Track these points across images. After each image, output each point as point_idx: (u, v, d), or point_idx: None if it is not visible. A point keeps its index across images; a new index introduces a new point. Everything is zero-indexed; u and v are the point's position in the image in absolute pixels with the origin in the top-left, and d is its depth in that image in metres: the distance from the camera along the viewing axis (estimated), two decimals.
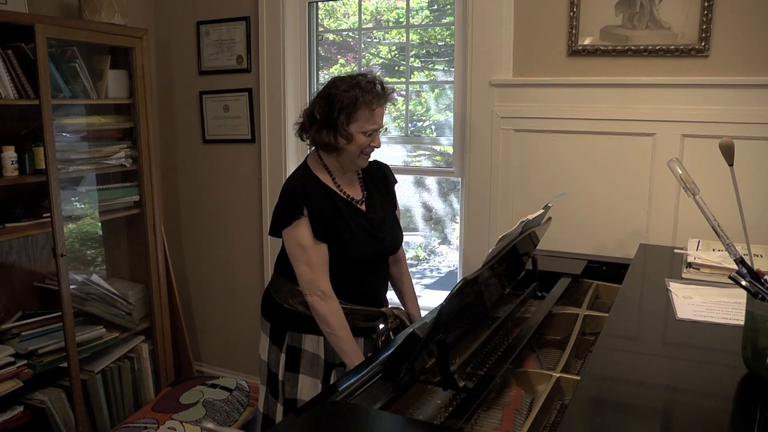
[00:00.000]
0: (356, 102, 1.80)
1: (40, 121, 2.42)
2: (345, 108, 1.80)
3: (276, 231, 1.89)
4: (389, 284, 2.11)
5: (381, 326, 1.95)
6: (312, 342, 1.90)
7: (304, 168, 1.93)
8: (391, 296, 2.13)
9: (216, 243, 3.39)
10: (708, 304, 1.49)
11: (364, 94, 1.81)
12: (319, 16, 3.11)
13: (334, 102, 1.81)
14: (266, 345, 1.98)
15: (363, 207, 1.95)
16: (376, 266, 1.98)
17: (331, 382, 1.88)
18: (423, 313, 2.10)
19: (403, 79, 3.06)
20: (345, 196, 1.92)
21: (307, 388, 1.89)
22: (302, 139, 1.95)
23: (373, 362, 1.41)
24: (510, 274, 1.77)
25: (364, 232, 1.90)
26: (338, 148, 1.85)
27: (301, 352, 1.90)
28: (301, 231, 1.81)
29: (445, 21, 2.92)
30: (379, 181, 2.04)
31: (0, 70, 2.34)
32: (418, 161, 3.27)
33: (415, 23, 3.00)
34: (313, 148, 1.94)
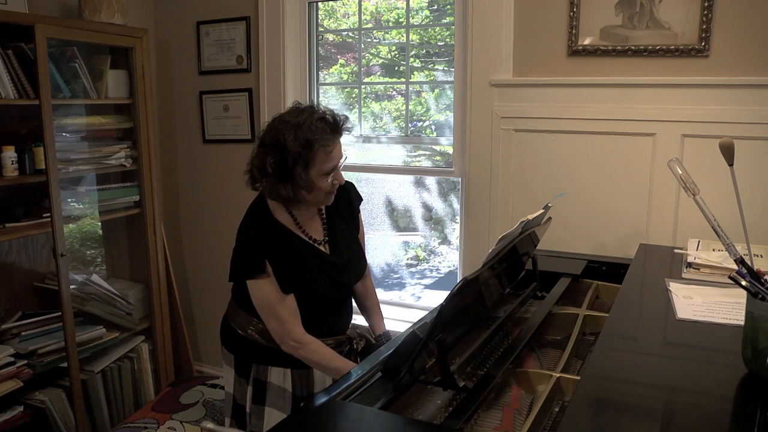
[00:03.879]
0: (311, 148, 1.63)
1: (40, 121, 2.42)
2: (300, 157, 1.63)
3: (236, 279, 1.78)
4: (353, 300, 2.02)
5: (346, 349, 1.89)
6: (278, 375, 1.82)
7: (262, 210, 1.77)
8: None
9: (216, 243, 3.39)
10: (708, 304, 1.49)
11: (316, 136, 1.64)
12: (319, 16, 3.11)
13: (285, 151, 1.63)
14: (231, 377, 1.90)
15: (326, 249, 1.83)
16: (339, 304, 1.89)
17: None
18: (422, 313, 2.09)
19: (403, 79, 3.06)
20: (307, 239, 1.79)
21: (274, 420, 1.80)
22: (255, 189, 1.78)
23: (373, 362, 1.41)
24: (510, 274, 1.77)
25: (327, 279, 1.79)
26: (299, 199, 1.72)
27: (267, 385, 1.83)
28: (265, 288, 1.70)
29: (445, 21, 2.92)
30: (343, 206, 1.90)
31: (0, 70, 2.34)
32: (418, 161, 3.26)
33: (415, 23, 3.00)
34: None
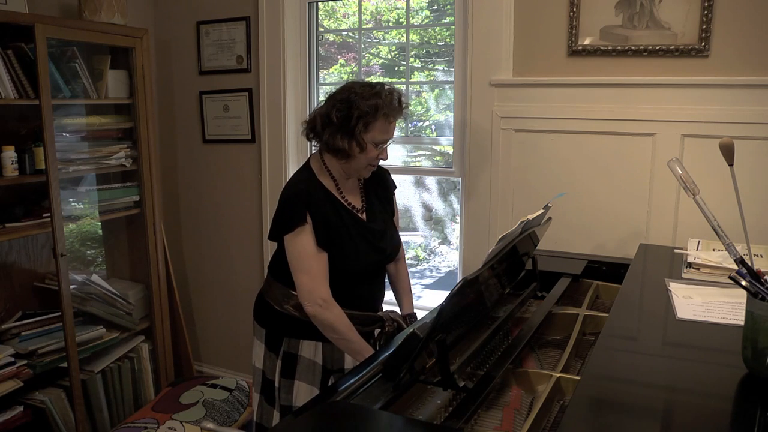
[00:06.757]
0: (377, 111, 1.78)
1: (40, 121, 2.42)
2: (364, 115, 1.78)
3: (276, 236, 1.86)
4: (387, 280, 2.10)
5: (378, 331, 1.94)
6: (309, 348, 1.87)
7: (307, 172, 1.90)
8: (389, 296, 2.13)
9: (216, 243, 3.39)
10: (708, 304, 1.49)
11: (384, 104, 1.79)
12: (319, 16, 3.11)
13: (353, 108, 1.78)
14: (261, 352, 1.96)
15: (363, 216, 1.93)
16: (375, 274, 1.97)
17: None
18: (422, 313, 2.10)
19: (403, 79, 3.06)
20: (347, 205, 1.90)
21: (303, 394, 1.86)
22: (308, 139, 1.91)
23: (373, 362, 1.41)
24: (510, 274, 1.77)
25: (365, 243, 1.89)
26: (350, 155, 1.83)
27: (298, 359, 1.88)
28: (304, 239, 1.78)
29: (445, 21, 2.92)
30: (379, 187, 2.03)
31: (0, 70, 2.34)
32: (418, 161, 3.27)
33: (415, 23, 3.00)
34: (315, 150, 1.92)
